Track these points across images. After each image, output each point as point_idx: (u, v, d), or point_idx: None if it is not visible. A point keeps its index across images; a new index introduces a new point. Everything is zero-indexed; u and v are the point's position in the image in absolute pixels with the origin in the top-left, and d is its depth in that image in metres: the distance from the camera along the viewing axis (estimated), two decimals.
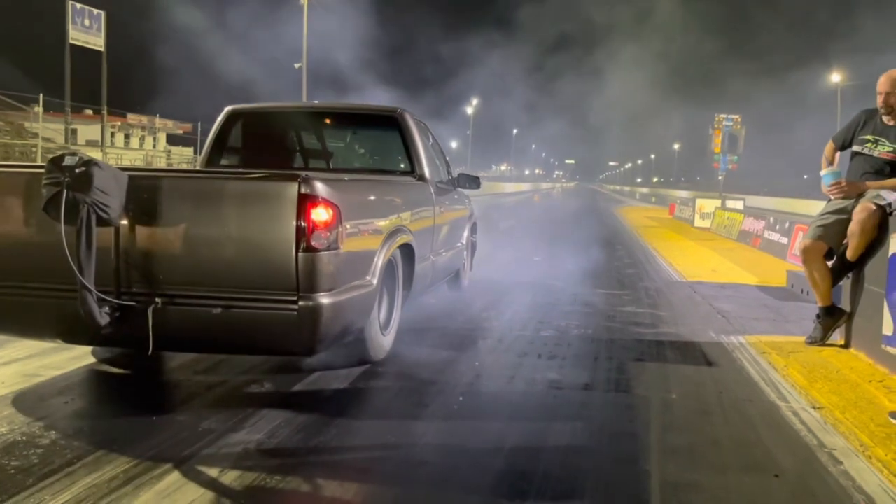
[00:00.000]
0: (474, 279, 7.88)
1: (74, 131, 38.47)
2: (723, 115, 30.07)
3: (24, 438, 3.12)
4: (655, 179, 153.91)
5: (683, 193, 37.54)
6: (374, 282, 4.03)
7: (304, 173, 3.44)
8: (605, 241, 14.68)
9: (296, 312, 3.39)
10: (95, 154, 28.04)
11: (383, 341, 4.49)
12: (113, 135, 46.50)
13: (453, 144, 72.76)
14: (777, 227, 13.14)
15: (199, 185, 3.73)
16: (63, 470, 2.83)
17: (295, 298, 3.39)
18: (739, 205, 21.63)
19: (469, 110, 66.97)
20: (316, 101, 7.10)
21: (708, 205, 21.20)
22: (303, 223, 3.34)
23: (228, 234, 3.48)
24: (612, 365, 4.73)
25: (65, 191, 3.20)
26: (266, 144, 6.10)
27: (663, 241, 15.34)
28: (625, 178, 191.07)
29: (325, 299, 3.45)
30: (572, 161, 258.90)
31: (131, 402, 3.78)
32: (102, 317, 3.37)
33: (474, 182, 6.80)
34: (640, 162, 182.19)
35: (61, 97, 32.65)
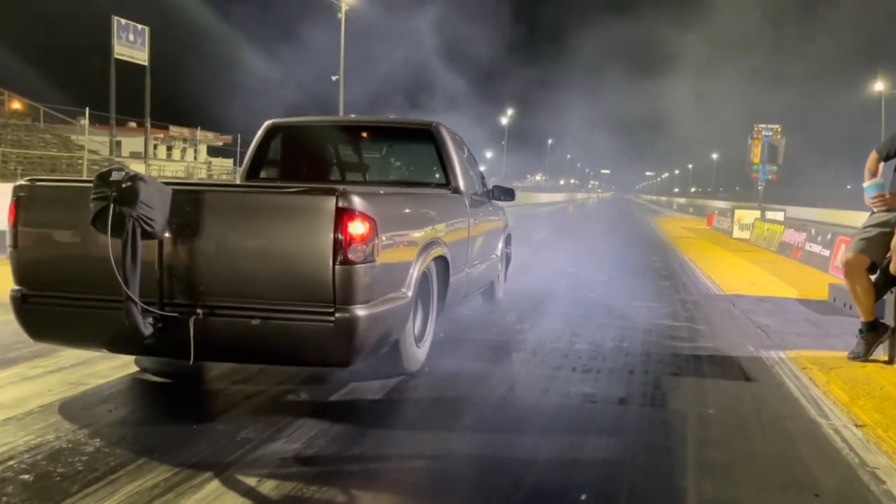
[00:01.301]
0: (508, 290, 7.88)
1: (119, 143, 39.47)
2: (762, 125, 29.60)
3: (70, 446, 3.22)
4: (693, 189, 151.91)
5: (722, 204, 36.98)
6: (410, 294, 4.06)
7: (341, 187, 3.51)
8: (641, 253, 14.55)
9: (332, 324, 3.45)
10: (139, 165, 28.74)
11: (418, 353, 4.52)
12: (156, 147, 47.57)
13: (488, 154, 72.78)
14: (819, 238, 12.89)
15: (239, 198, 3.82)
16: (106, 477, 2.90)
17: (332, 310, 3.45)
18: (780, 216, 21.26)
19: (504, 120, 66.98)
20: (353, 115, 7.20)
21: (747, 216, 20.85)
22: (340, 236, 3.40)
23: (268, 246, 3.54)
24: (647, 379, 4.69)
25: (111, 205, 3.31)
26: (304, 157, 6.16)
27: (701, 253, 15.14)
28: (662, 189, 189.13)
29: (361, 311, 3.50)
30: (608, 171, 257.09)
31: (172, 411, 3.88)
32: (146, 327, 3.47)
33: (509, 194, 6.80)
34: (677, 172, 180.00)
35: (106, 110, 33.55)
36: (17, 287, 3.80)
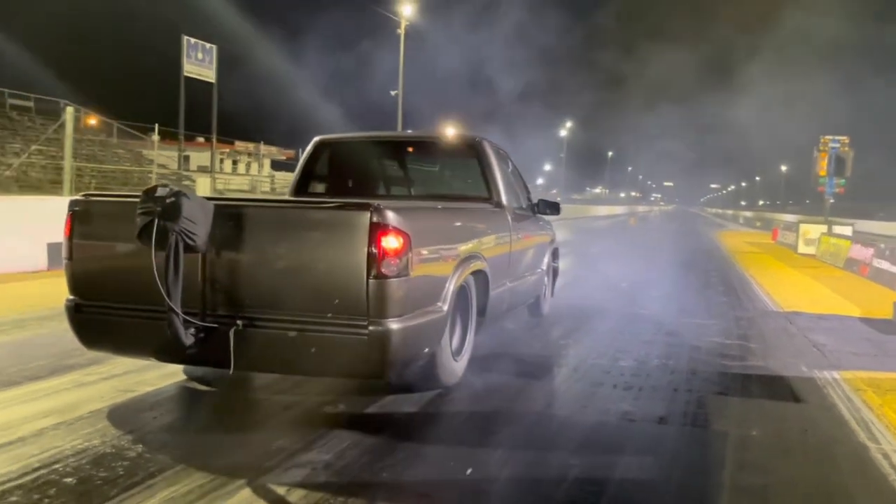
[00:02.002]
0: (556, 305, 7.83)
1: (187, 158, 40.88)
2: (829, 137, 28.50)
3: (113, 451, 3.35)
4: (761, 203, 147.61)
5: (790, 217, 35.71)
6: (445, 308, 4.08)
7: (375, 203, 3.56)
8: (699, 268, 14.21)
9: (366, 337, 3.50)
10: (205, 179, 29.66)
11: (455, 367, 4.53)
12: (222, 161, 49.02)
13: (546, 167, 72.37)
14: (887, 254, 12.37)
15: (277, 213, 3.92)
16: (145, 482, 3.02)
17: (365, 323, 3.50)
18: (847, 230, 20.44)
19: (563, 132, 66.53)
20: (400, 131, 7.30)
21: (813, 230, 20.14)
22: (374, 250, 3.46)
23: (304, 260, 3.62)
24: (691, 398, 4.59)
25: (156, 220, 3.44)
26: (351, 172, 6.26)
27: (762, 268, 14.71)
28: (727, 202, 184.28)
29: (394, 325, 3.54)
30: (671, 183, 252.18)
31: (213, 419, 4.00)
32: (188, 337, 3.59)
33: (554, 208, 6.78)
34: (744, 184, 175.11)
35: (176, 126, 34.80)
36: (71, 297, 4.00)
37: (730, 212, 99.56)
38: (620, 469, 3.39)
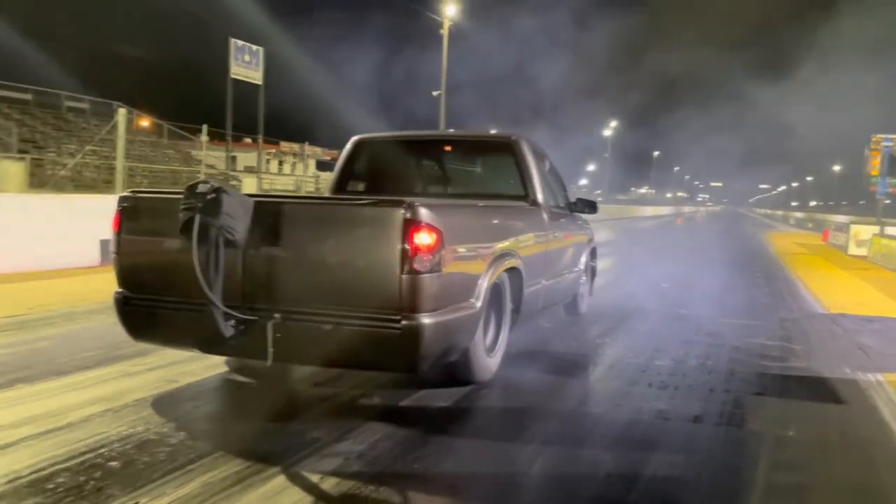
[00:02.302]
0: (595, 304, 7.80)
1: (234, 158, 41.67)
2: (881, 136, 27.52)
3: (156, 437, 3.48)
4: (813, 203, 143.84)
5: (843, 218, 34.74)
6: (478, 304, 4.12)
7: (408, 199, 3.62)
8: (744, 268, 13.96)
9: (399, 331, 3.56)
10: (251, 179, 30.22)
11: (489, 363, 4.57)
12: (268, 161, 49.82)
13: (590, 167, 71.75)
14: None
15: (314, 210, 4.02)
16: (185, 467, 3.13)
17: (398, 318, 3.57)
18: None
19: (607, 132, 65.87)
20: (437, 131, 7.36)
21: (864, 231, 19.58)
22: (407, 246, 3.52)
23: (340, 255, 3.69)
24: (727, 398, 4.54)
25: (197, 215, 3.56)
26: (388, 171, 6.33)
27: (810, 270, 14.37)
28: (777, 202, 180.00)
29: (426, 319, 3.60)
30: (719, 184, 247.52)
31: (252, 409, 4.10)
32: (228, 329, 3.70)
33: (591, 206, 6.80)
34: (795, 184, 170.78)
35: (223, 127, 35.50)
36: (119, 290, 4.16)
37: (780, 212, 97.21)
38: (652, 466, 3.37)
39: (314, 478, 3.08)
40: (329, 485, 3.01)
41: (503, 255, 4.53)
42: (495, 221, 4.78)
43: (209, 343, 3.94)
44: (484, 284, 4.20)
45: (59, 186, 21.99)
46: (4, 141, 26.76)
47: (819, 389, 4.87)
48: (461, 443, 3.64)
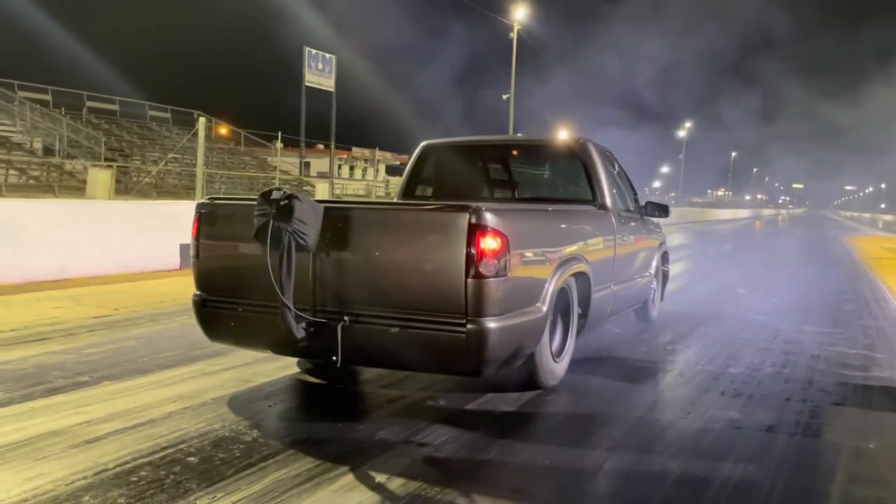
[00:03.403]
0: (667, 310, 7.65)
1: (307, 164, 42.69)
2: None
3: (232, 434, 3.62)
4: None
5: None
6: (544, 308, 4.12)
7: (474, 204, 3.65)
8: (826, 273, 13.42)
9: (464, 335, 3.60)
10: (324, 184, 30.88)
11: (555, 368, 4.56)
12: (339, 167, 50.90)
13: (664, 169, 70.24)
14: None
15: (382, 215, 4.09)
16: (258, 464, 3.25)
17: (464, 322, 3.60)
18: None
19: (682, 133, 64.37)
20: (508, 135, 7.41)
21: None
22: (472, 251, 3.55)
23: (407, 259, 3.77)
24: (804, 407, 4.40)
25: (271, 221, 3.68)
26: (456, 175, 6.42)
27: None
28: (864, 205, 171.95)
29: (492, 324, 3.62)
30: (801, 185, 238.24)
31: (322, 409, 4.22)
32: (299, 331, 3.82)
33: (662, 210, 6.70)
34: (883, 186, 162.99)
35: (297, 134, 36.44)
36: (197, 292, 4.34)
37: (867, 215, 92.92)
38: (721, 476, 3.30)
39: (381, 478, 3.14)
40: (396, 485, 3.07)
41: (570, 260, 4.51)
42: (562, 225, 4.77)
43: (281, 344, 4.07)
44: (550, 289, 4.19)
45: (143, 193, 23.04)
46: (94, 150, 28.21)
47: None
48: (525, 447, 3.64)
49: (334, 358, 3.84)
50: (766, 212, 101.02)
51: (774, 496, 3.10)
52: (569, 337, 4.78)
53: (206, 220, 4.30)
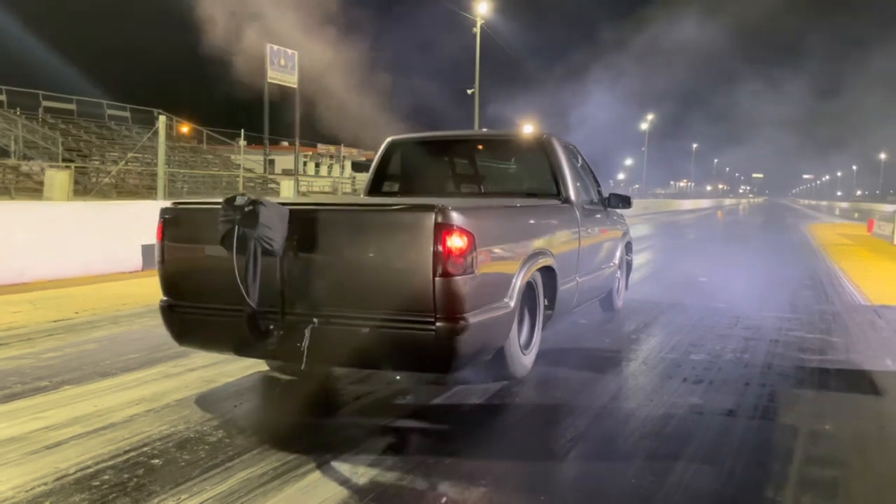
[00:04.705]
0: (631, 299, 7.77)
1: (272, 162, 42.20)
2: None
3: (196, 436, 3.59)
4: (858, 193, 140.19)
5: (890, 208, 33.74)
6: (512, 303, 4.15)
7: (440, 203, 3.67)
8: (786, 261, 13.72)
9: (433, 332, 3.61)
10: (289, 181, 30.63)
11: (524, 360, 4.60)
12: (305, 164, 50.44)
13: (628, 161, 71.03)
14: None
15: (348, 217, 4.04)
16: (224, 465, 3.23)
17: (433, 320, 3.61)
18: None
19: (643, 126, 65.13)
20: (469, 130, 7.46)
21: None
22: (439, 249, 3.56)
23: (374, 260, 3.76)
24: (763, 392, 4.51)
25: (236, 227, 3.65)
26: (422, 171, 6.42)
27: (853, 261, 14.03)
28: (822, 193, 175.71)
29: (461, 321, 3.64)
30: (760, 175, 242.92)
31: (288, 408, 4.20)
32: (267, 334, 3.80)
33: (625, 201, 6.75)
34: (839, 174, 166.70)
35: (261, 132, 35.98)
36: (164, 297, 4.27)
37: (824, 203, 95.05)
38: (683, 460, 3.36)
39: (348, 473, 3.15)
40: (363, 480, 3.08)
41: (536, 254, 4.56)
42: (527, 221, 4.80)
43: (248, 347, 4.04)
44: (517, 284, 4.23)
45: (103, 193, 22.59)
46: (51, 150, 27.58)
47: (858, 382, 4.80)
48: (491, 438, 3.67)
49: (301, 360, 3.80)
50: (728, 201, 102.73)
51: (734, 478, 3.17)
52: (536, 329, 4.82)
53: (171, 224, 4.22)
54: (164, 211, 4.26)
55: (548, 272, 4.82)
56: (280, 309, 3.84)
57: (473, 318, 3.72)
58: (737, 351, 5.64)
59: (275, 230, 3.67)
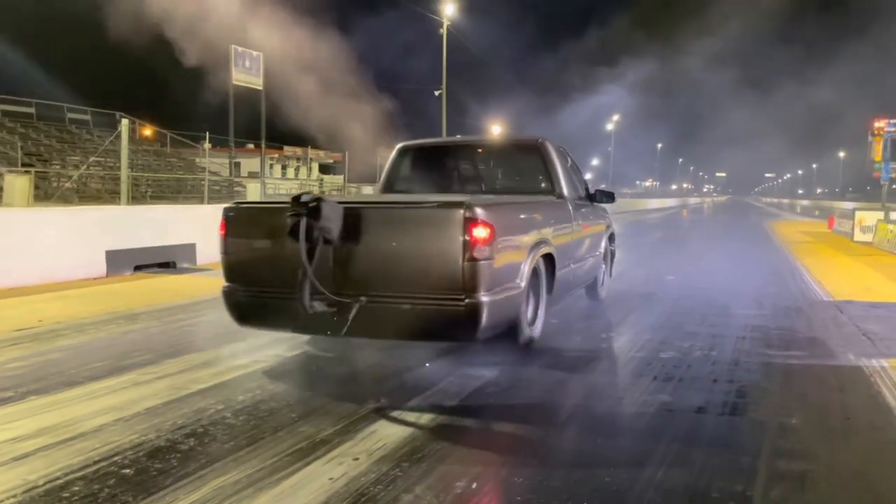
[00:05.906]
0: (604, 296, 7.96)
1: (238, 164, 41.74)
2: (883, 120, 27.23)
3: (168, 444, 3.54)
4: (819, 191, 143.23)
5: (849, 205, 34.58)
6: (523, 285, 4.90)
7: (468, 200, 4.40)
8: (749, 259, 13.98)
9: (463, 308, 4.32)
10: (255, 184, 30.32)
11: (531, 331, 5.32)
12: (271, 166, 50.01)
13: (594, 162, 71.72)
14: None
15: (389, 213, 4.76)
16: (196, 473, 3.19)
17: (462, 297, 4.33)
18: None
19: (609, 126, 65.85)
20: (471, 136, 8.51)
21: (869, 217, 19.53)
22: (467, 239, 4.29)
23: (412, 248, 4.46)
24: (731, 388, 4.59)
25: (303, 220, 4.29)
26: (430, 173, 7.05)
27: (814, 258, 14.36)
28: (784, 191, 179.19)
29: (484, 298, 4.36)
30: (723, 174, 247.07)
31: (262, 414, 4.14)
32: (321, 311, 4.41)
33: (609, 196, 7.47)
34: (800, 172, 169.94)
35: (226, 134, 35.59)
36: (227, 284, 4.96)
37: (786, 201, 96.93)
38: (655, 457, 3.40)
39: (324, 479, 3.13)
40: (339, 485, 3.06)
41: (539, 244, 5.27)
42: (533, 215, 5.55)
43: (304, 324, 4.64)
44: (526, 268, 4.96)
45: (64, 199, 22.15)
46: (9, 155, 26.94)
47: (822, 377, 4.92)
48: (468, 439, 3.68)
49: (349, 333, 4.48)
50: (692, 200, 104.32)
51: (706, 473, 3.23)
52: (540, 307, 5.52)
53: (232, 221, 4.91)
54: (226, 210, 4.98)
55: (548, 259, 5.52)
56: (333, 290, 4.43)
57: (494, 296, 4.44)
58: (705, 348, 5.73)
59: (333, 223, 4.36)
